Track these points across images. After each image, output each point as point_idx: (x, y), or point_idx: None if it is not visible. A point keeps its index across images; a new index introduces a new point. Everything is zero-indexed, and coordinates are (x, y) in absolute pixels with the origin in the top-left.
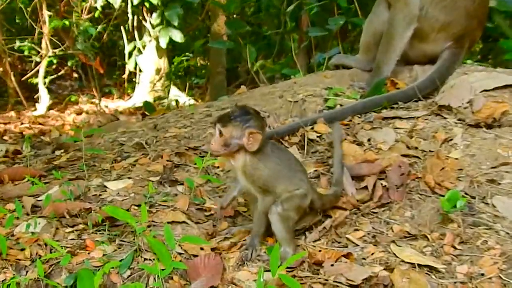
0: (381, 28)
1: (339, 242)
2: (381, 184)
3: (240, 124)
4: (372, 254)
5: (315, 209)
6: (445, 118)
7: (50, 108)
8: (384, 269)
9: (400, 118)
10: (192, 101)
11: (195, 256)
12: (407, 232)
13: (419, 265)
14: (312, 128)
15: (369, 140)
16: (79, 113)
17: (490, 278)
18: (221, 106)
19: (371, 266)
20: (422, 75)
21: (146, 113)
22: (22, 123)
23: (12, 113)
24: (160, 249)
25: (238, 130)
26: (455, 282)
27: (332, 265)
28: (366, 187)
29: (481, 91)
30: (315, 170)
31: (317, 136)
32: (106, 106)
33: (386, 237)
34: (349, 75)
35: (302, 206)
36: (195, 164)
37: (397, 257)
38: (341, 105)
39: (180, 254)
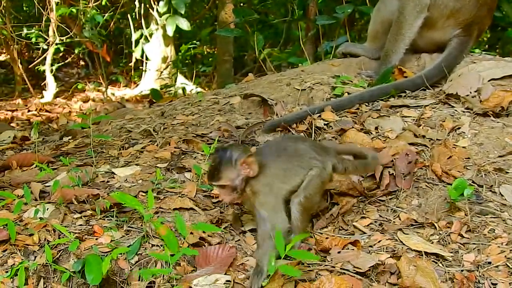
0: (390, 17)
1: (346, 230)
2: (388, 172)
3: (228, 164)
4: (379, 241)
5: (341, 173)
6: (452, 106)
7: (56, 95)
8: (391, 257)
9: (407, 106)
10: (199, 89)
11: (196, 244)
12: (414, 220)
13: (426, 253)
14: (320, 116)
15: (376, 128)
16: (85, 100)
17: (497, 266)
18: (229, 93)
19: (378, 253)
20: (430, 64)
21: (154, 100)
22: (29, 110)
23: (19, 101)
24: (167, 236)
25: (232, 171)
26: (462, 270)
27: (339, 252)
28: (373, 175)
29: (489, 80)
30: None
31: (325, 124)
32: (113, 94)
33: (393, 225)
34: (357, 64)
35: (324, 181)
36: (203, 151)
37: (404, 245)
38: (348, 93)
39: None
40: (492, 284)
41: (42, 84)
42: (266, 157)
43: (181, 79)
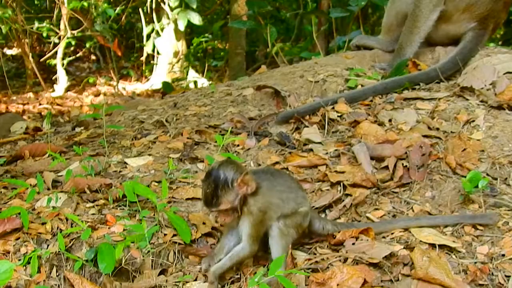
0: (404, 9)
1: (359, 221)
2: (402, 164)
3: (225, 186)
4: (392, 233)
5: (315, 232)
6: (467, 99)
7: (68, 89)
8: (404, 248)
9: (421, 99)
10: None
11: (208, 234)
12: (428, 212)
13: (438, 245)
14: (333, 108)
15: (390, 120)
16: (96, 94)
17: (510, 258)
18: (241, 85)
19: (391, 245)
20: (444, 57)
21: (165, 93)
22: (40, 104)
23: (30, 94)
24: (180, 225)
25: (230, 193)
26: (475, 262)
27: (353, 244)
28: (387, 167)
29: (504, 73)
30: (336, 150)
31: (338, 116)
32: (124, 88)
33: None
34: (371, 56)
35: (303, 225)
36: (215, 141)
37: (416, 237)
38: (362, 86)
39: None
40: (506, 276)
41: (53, 78)
42: (261, 180)
43: (192, 73)
